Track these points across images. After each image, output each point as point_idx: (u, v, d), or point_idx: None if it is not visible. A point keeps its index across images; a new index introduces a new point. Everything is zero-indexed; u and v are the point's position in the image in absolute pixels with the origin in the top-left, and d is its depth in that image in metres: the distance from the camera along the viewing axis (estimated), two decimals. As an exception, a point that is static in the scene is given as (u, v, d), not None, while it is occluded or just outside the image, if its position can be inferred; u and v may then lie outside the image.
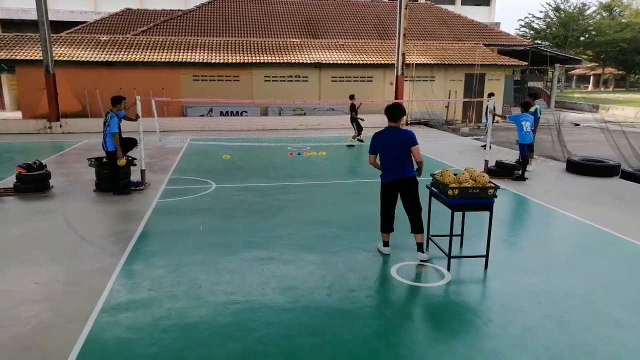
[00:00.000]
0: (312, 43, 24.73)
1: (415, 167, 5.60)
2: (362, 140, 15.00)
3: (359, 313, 4.43)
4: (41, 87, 18.42)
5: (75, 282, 5.07)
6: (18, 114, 21.99)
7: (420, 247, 5.65)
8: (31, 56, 19.85)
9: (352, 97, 15.35)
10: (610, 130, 13.95)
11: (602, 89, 60.72)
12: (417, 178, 5.60)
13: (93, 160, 9.31)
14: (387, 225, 5.76)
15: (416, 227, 5.62)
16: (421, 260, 5.61)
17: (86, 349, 3.79)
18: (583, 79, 68.01)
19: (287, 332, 4.06)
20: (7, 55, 19.84)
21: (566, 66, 37.89)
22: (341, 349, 3.83)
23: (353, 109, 15.41)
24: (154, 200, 8.40)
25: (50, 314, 4.38)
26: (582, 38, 52.49)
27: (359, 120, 15.33)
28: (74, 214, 7.64)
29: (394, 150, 5.48)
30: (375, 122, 20.81)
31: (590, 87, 65.48)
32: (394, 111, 5.57)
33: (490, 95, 13.46)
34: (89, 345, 3.84)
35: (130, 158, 9.28)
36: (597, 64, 57.18)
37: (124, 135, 8.98)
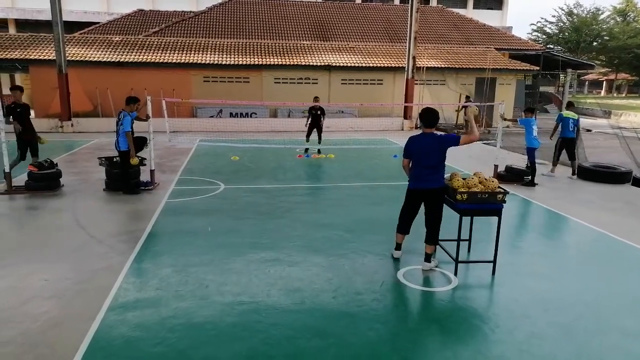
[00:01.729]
0: (323, 45, 24.78)
1: (447, 176, 5.46)
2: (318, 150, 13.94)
3: (364, 316, 4.43)
4: (54, 86, 18.63)
5: (84, 280, 5.12)
6: (31, 113, 22.25)
7: (427, 258, 5.54)
8: (45, 56, 20.11)
9: (316, 99, 14.04)
10: (623, 136, 13.81)
11: (615, 95, 60.14)
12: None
13: (103, 159, 9.40)
14: (405, 227, 5.68)
15: (431, 237, 5.47)
16: (424, 270, 5.55)
17: (94, 346, 3.83)
18: (595, 85, 67.38)
19: (292, 334, 4.07)
20: (21, 55, 20.12)
21: (578, 71, 37.61)
22: (346, 352, 3.83)
23: (324, 113, 13.89)
24: (163, 200, 8.46)
25: (59, 311, 4.43)
26: (594, 43, 52.07)
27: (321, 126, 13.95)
28: (84, 212, 7.71)
29: (431, 158, 5.27)
30: (381, 125, 20.89)
31: (602, 92, 64.86)
32: (432, 116, 5.35)
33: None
34: (97, 343, 3.88)
35: (140, 158, 9.35)
36: (610, 70, 56.62)
37: (135, 135, 9.05)
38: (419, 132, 5.57)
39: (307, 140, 13.93)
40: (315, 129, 13.82)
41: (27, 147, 9.41)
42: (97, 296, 4.68)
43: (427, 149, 5.29)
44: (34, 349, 3.79)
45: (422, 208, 5.53)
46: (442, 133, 5.44)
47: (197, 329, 4.11)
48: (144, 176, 9.57)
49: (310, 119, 13.76)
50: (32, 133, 9.46)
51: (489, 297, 5.02)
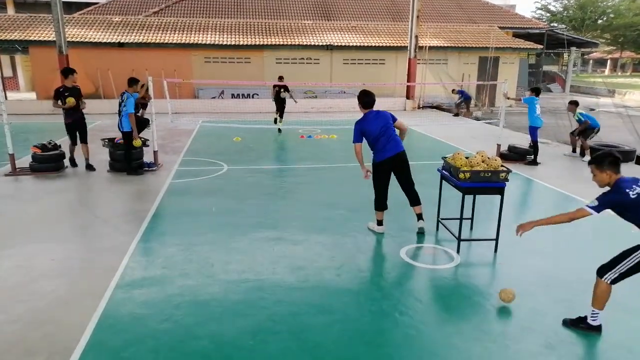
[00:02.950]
0: (324, 25, 24.50)
1: (403, 138, 5.92)
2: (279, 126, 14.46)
3: (367, 293, 4.48)
4: (54, 68, 18.52)
5: (91, 259, 5.18)
6: (32, 95, 22.20)
7: (420, 217, 5.89)
8: (44, 37, 19.94)
9: (281, 78, 14.40)
10: (628, 115, 13.71)
11: (620, 73, 59.51)
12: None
13: (106, 140, 9.41)
14: (383, 203, 5.90)
15: (414, 199, 5.88)
16: (419, 229, 5.84)
17: (101, 324, 3.89)
18: (600, 63, 66.66)
19: (297, 310, 4.13)
20: (20, 36, 19.95)
21: (582, 50, 37.18)
22: (349, 327, 3.89)
23: (287, 90, 14.44)
24: (167, 181, 8.49)
25: (66, 289, 4.49)
26: (600, 21, 51.25)
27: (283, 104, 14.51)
28: (88, 193, 7.76)
29: (383, 130, 5.68)
30: (383, 105, 20.76)
31: (607, 71, 64.17)
32: (370, 97, 5.78)
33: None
34: (104, 320, 3.94)
35: (142, 139, 9.35)
36: (614, 48, 55.91)
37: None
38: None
39: (277, 114, 14.38)
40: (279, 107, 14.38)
41: (74, 131, 9.21)
42: (104, 275, 4.73)
43: (376, 122, 5.71)
44: (41, 326, 3.86)
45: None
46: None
47: (203, 306, 4.17)
48: (147, 157, 9.58)
49: (275, 97, 14.28)
50: (77, 116, 9.14)
51: (491, 274, 5.06)
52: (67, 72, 9.19)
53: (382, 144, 5.69)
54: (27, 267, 4.95)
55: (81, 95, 9.24)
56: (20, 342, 3.64)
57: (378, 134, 5.68)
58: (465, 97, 18.89)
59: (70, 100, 8.79)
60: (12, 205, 7.12)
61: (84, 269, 4.95)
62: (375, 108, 5.79)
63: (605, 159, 3.69)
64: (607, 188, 3.72)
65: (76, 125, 9.19)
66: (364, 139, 5.78)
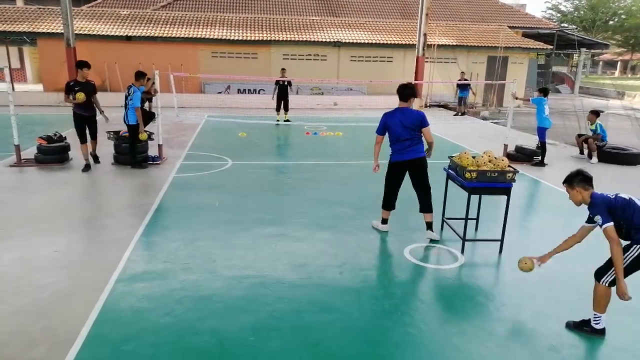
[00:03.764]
0: (332, 21, 24.41)
1: (425, 147, 5.61)
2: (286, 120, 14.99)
3: (370, 292, 4.45)
4: (62, 60, 18.56)
5: (93, 252, 5.18)
6: (39, 87, 22.27)
7: (429, 226, 5.70)
8: (53, 29, 19.98)
9: (283, 71, 15.15)
10: (636, 117, 13.58)
11: (630, 75, 59.00)
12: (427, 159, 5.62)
13: (112, 133, 9.42)
14: (391, 203, 5.81)
15: (426, 206, 5.67)
16: (431, 240, 5.63)
17: (102, 317, 3.88)
18: (610, 65, 66.08)
19: (298, 307, 4.10)
20: (29, 28, 20.00)
21: (593, 51, 36.85)
22: (351, 325, 3.86)
23: (290, 84, 15.04)
24: (171, 175, 8.48)
25: (68, 282, 4.49)
26: (611, 22, 50.82)
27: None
28: (92, 185, 7.76)
29: (406, 131, 5.43)
30: (390, 103, 20.63)
31: (617, 73, 63.62)
32: (406, 90, 5.48)
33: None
34: (105, 313, 3.93)
35: (148, 132, 9.36)
36: (625, 50, 55.42)
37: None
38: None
39: (278, 113, 14.65)
40: (283, 101, 14.68)
41: (83, 127, 8.71)
42: (106, 268, 4.73)
43: (402, 120, 5.42)
44: (42, 318, 3.85)
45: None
46: (420, 110, 5.57)
47: (205, 301, 4.15)
48: (152, 151, 9.58)
49: (277, 91, 14.60)
50: (87, 112, 8.72)
51: (495, 275, 5.01)
52: (78, 65, 8.74)
53: (401, 145, 5.50)
54: (29, 258, 4.95)
55: (95, 91, 8.83)
56: (21, 333, 3.64)
57: (399, 133, 5.46)
58: (462, 94, 18.70)
59: (80, 96, 8.39)
60: (16, 197, 7.13)
61: (85, 261, 4.95)
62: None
63: (575, 177, 3.86)
64: (584, 207, 3.79)
65: (85, 121, 8.78)
66: (386, 133, 5.61)
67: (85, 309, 3.96)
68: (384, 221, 5.93)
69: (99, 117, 9.03)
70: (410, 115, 5.45)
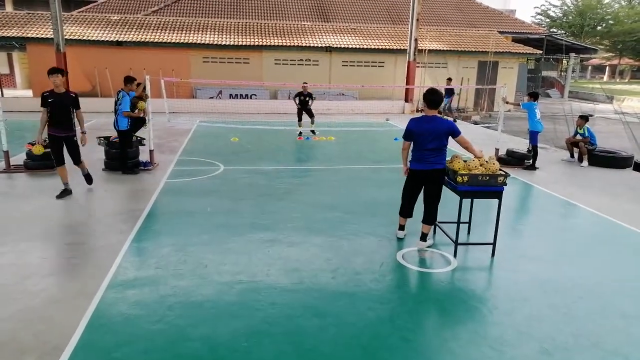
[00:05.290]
0: (324, 26, 24.51)
1: (448, 159, 5.42)
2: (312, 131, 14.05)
3: (363, 296, 4.43)
4: (52, 65, 18.46)
5: (83, 258, 5.11)
6: (29, 93, 22.10)
7: (423, 237, 5.59)
8: (42, 34, 19.87)
9: (305, 85, 14.08)
10: (626, 121, 13.74)
11: (618, 80, 59.73)
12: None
13: (102, 139, 9.35)
14: (406, 210, 5.71)
15: (429, 218, 5.54)
16: (419, 250, 5.58)
17: (93, 323, 3.83)
18: (598, 69, 66.89)
19: (291, 313, 4.08)
20: (18, 33, 19.89)
21: (581, 56, 37.28)
22: (345, 330, 3.84)
23: (312, 97, 14.09)
24: (162, 180, 8.43)
25: (58, 288, 4.43)
26: (599, 27, 51.54)
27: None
28: (83, 191, 7.68)
29: (435, 141, 5.21)
30: (382, 107, 20.74)
31: (605, 77, 64.42)
32: (435, 96, 5.29)
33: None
34: (95, 320, 3.88)
35: (139, 138, 9.30)
36: (613, 54, 56.17)
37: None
38: (418, 115, 5.51)
39: (300, 125, 13.96)
40: (304, 112, 13.90)
41: (59, 148, 7.22)
42: (97, 274, 4.67)
43: (431, 131, 5.22)
44: (33, 325, 3.79)
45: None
46: (447, 118, 5.43)
47: (196, 307, 4.12)
48: (143, 156, 9.52)
49: (299, 104, 13.85)
50: (62, 131, 7.11)
51: (488, 279, 5.02)
52: (49, 72, 7.29)
53: (421, 154, 5.30)
54: (19, 265, 4.88)
55: (76, 105, 7.24)
56: (11, 340, 3.58)
57: (421, 140, 5.24)
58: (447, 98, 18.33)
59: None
60: (5, 203, 7.04)
61: (76, 268, 4.89)
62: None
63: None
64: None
65: (61, 143, 7.18)
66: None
67: (76, 316, 3.90)
68: (401, 227, 5.84)
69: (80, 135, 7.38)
70: (434, 123, 5.22)
